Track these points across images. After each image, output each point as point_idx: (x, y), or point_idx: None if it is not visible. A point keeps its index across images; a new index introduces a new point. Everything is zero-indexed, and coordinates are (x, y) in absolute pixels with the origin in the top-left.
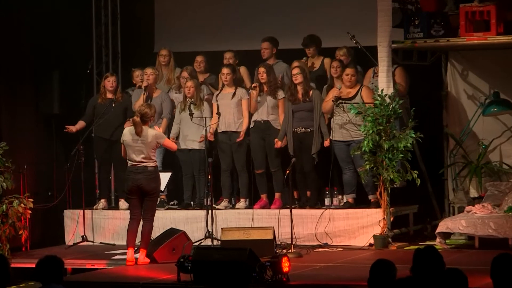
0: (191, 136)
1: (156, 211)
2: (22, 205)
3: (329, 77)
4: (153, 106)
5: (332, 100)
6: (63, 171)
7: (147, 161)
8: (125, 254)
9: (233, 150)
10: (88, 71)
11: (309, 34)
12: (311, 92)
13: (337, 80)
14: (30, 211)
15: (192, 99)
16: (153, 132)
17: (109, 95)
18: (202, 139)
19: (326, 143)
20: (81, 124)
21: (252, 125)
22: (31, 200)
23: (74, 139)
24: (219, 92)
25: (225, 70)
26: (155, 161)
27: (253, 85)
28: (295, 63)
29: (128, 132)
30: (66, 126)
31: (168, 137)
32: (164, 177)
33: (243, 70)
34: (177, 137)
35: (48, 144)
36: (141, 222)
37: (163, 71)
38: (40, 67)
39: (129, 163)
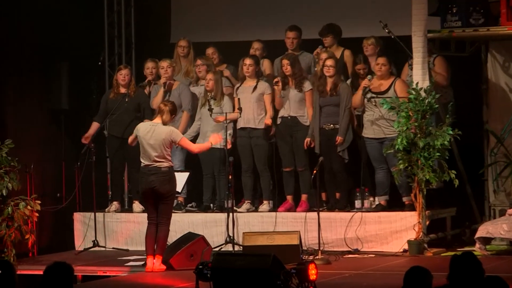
0: (211, 133)
1: (173, 214)
2: (29, 207)
3: (352, 72)
4: (174, 105)
5: (363, 93)
6: (73, 171)
7: (160, 161)
8: (139, 260)
9: (253, 147)
10: (100, 63)
11: (328, 23)
12: (339, 85)
13: (362, 79)
14: (37, 214)
15: (212, 93)
16: (168, 128)
17: (122, 90)
18: (220, 119)
19: (339, 140)
20: (94, 127)
21: (278, 121)
22: (38, 202)
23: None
24: (240, 85)
25: (247, 61)
26: (170, 160)
27: (275, 80)
28: (326, 54)
29: (142, 126)
30: (83, 142)
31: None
32: (182, 178)
33: (266, 64)
34: (197, 136)
35: (57, 141)
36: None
37: (182, 63)
38: (48, 59)
39: (142, 163)
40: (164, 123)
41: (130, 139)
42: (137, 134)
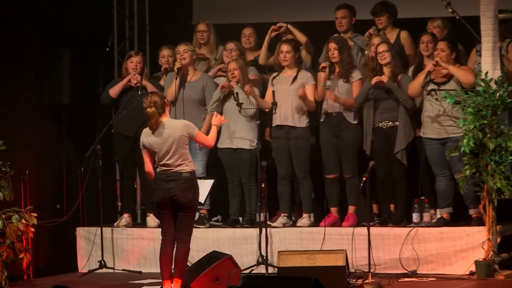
0: (239, 132)
1: (194, 229)
2: (23, 221)
3: (418, 55)
4: (159, 93)
5: (424, 82)
6: (76, 178)
7: (181, 164)
8: (154, 284)
9: (292, 150)
10: (107, 49)
11: (382, 0)
12: (400, 76)
13: (428, 60)
14: (33, 229)
15: (239, 85)
16: (180, 122)
17: (134, 81)
18: (224, 86)
19: (418, 133)
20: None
21: (322, 118)
22: (35, 214)
23: (89, 136)
24: (277, 75)
25: (284, 47)
26: (192, 163)
27: (322, 64)
28: (379, 38)
29: (148, 131)
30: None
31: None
32: (205, 186)
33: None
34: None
35: (56, 143)
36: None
37: (202, 51)
38: (46, 44)
39: (159, 168)
40: (154, 128)
41: (145, 163)
42: (144, 143)
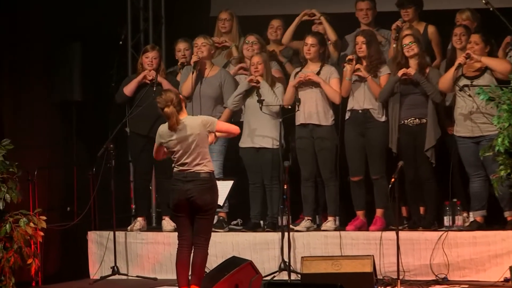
0: (261, 130)
1: (213, 233)
2: (32, 224)
3: (450, 48)
4: (173, 90)
5: (455, 76)
6: (87, 179)
7: (199, 164)
8: None
9: (317, 150)
10: (121, 42)
11: None
12: (427, 69)
13: (460, 52)
14: (42, 233)
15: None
16: (197, 119)
17: (149, 77)
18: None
19: (450, 131)
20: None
21: (347, 116)
22: (44, 218)
23: (101, 135)
24: (300, 70)
25: (309, 39)
26: (210, 163)
27: (349, 57)
28: (407, 31)
29: (166, 129)
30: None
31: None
32: (224, 188)
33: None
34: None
35: (67, 142)
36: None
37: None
38: (55, 38)
39: (175, 168)
40: (175, 127)
41: (155, 151)
42: (161, 142)
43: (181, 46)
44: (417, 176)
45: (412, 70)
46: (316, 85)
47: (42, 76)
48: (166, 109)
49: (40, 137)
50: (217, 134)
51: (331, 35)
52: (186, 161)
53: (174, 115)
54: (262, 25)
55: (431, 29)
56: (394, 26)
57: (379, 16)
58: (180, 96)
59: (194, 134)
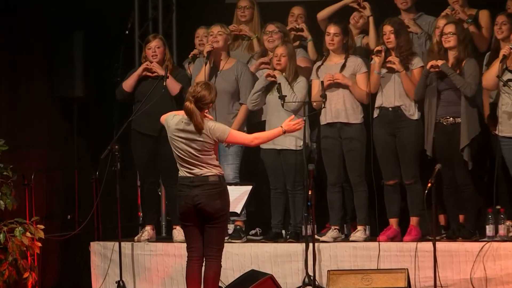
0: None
1: (227, 243)
2: (29, 234)
3: (494, 39)
4: (214, 87)
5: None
6: (89, 183)
7: (205, 167)
8: None
9: (345, 151)
10: (127, 32)
11: None
12: (464, 61)
13: (504, 43)
14: (40, 244)
15: (284, 74)
16: (208, 124)
17: (154, 70)
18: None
19: (494, 131)
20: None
21: (375, 113)
22: (42, 227)
23: (106, 135)
24: (322, 63)
25: (331, 28)
26: (219, 166)
27: (377, 48)
28: (444, 19)
29: (172, 120)
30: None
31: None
32: (241, 193)
33: (369, 35)
34: None
35: (67, 142)
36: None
37: (244, 28)
38: (56, 27)
39: (180, 172)
40: (198, 128)
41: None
42: (167, 126)
43: (200, 32)
44: (455, 181)
45: (440, 61)
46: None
47: (40, 69)
48: (187, 103)
49: (38, 136)
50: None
51: (372, 42)
52: (192, 164)
53: (196, 114)
54: (283, 13)
55: (483, 14)
56: (443, 14)
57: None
58: (211, 104)
59: (198, 139)
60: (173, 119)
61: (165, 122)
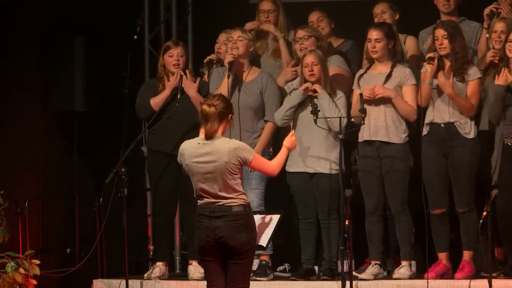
0: (315, 150)
1: (254, 282)
2: (22, 270)
3: None
4: (229, 101)
5: None
6: (92, 212)
7: (229, 196)
8: None
9: (384, 172)
10: (136, 37)
11: None
12: None
13: None
14: (35, 282)
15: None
16: (230, 143)
17: (173, 80)
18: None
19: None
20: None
21: (424, 130)
22: (37, 262)
23: (111, 155)
24: (364, 72)
25: (373, 33)
26: (244, 193)
27: (429, 54)
28: (503, 22)
29: (189, 148)
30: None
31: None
32: (268, 224)
33: (410, 42)
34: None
35: (66, 164)
36: None
37: (269, 28)
38: (54, 29)
39: (200, 200)
40: (211, 134)
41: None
42: (182, 162)
43: (222, 38)
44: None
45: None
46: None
47: (36, 80)
48: (205, 107)
49: (33, 157)
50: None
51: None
52: (213, 191)
53: (214, 119)
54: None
55: None
56: (487, 11)
57: (465, 3)
58: (231, 115)
59: (220, 162)
60: (188, 149)
61: (180, 156)
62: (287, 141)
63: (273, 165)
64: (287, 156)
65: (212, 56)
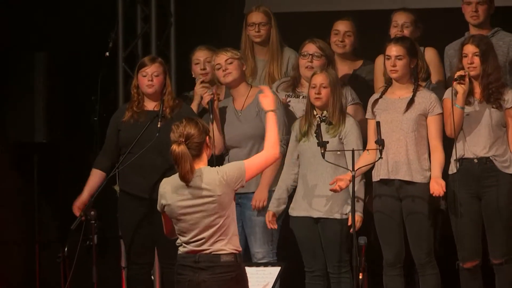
0: (323, 189)
1: None
2: None
3: None
4: (199, 121)
5: None
6: (56, 264)
7: (218, 241)
8: None
9: (405, 215)
10: (107, 53)
11: None
12: None
13: None
14: None
15: (325, 113)
16: (215, 172)
17: (149, 105)
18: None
19: None
20: (95, 181)
21: (453, 168)
22: None
23: (78, 194)
24: (380, 97)
25: (393, 49)
26: (236, 240)
27: (459, 73)
28: None
29: (170, 186)
30: (75, 212)
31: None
32: (267, 277)
33: (431, 54)
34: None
35: (25, 204)
36: None
37: (257, 56)
38: (9, 45)
39: (182, 248)
40: (188, 177)
41: (164, 224)
42: (163, 205)
43: (200, 55)
44: None
45: None
46: (407, 121)
47: None
48: (174, 147)
49: None
50: None
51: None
52: (199, 236)
53: (185, 159)
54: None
55: None
56: None
57: (500, 12)
58: (208, 136)
59: (212, 196)
60: (166, 189)
61: (160, 199)
62: (263, 103)
63: (267, 150)
64: (275, 120)
65: (209, 96)
